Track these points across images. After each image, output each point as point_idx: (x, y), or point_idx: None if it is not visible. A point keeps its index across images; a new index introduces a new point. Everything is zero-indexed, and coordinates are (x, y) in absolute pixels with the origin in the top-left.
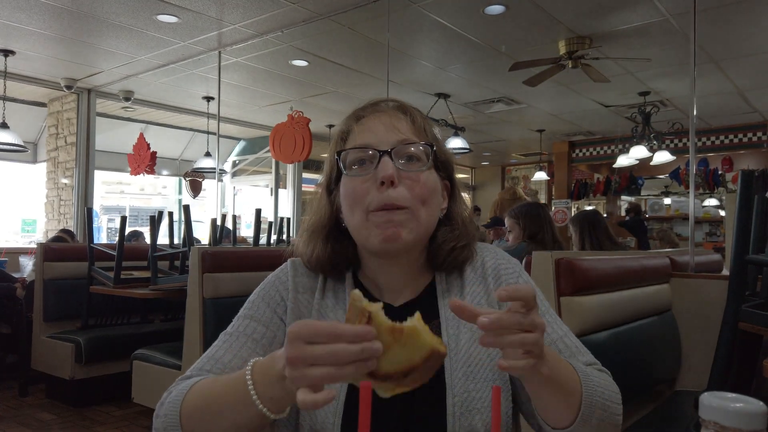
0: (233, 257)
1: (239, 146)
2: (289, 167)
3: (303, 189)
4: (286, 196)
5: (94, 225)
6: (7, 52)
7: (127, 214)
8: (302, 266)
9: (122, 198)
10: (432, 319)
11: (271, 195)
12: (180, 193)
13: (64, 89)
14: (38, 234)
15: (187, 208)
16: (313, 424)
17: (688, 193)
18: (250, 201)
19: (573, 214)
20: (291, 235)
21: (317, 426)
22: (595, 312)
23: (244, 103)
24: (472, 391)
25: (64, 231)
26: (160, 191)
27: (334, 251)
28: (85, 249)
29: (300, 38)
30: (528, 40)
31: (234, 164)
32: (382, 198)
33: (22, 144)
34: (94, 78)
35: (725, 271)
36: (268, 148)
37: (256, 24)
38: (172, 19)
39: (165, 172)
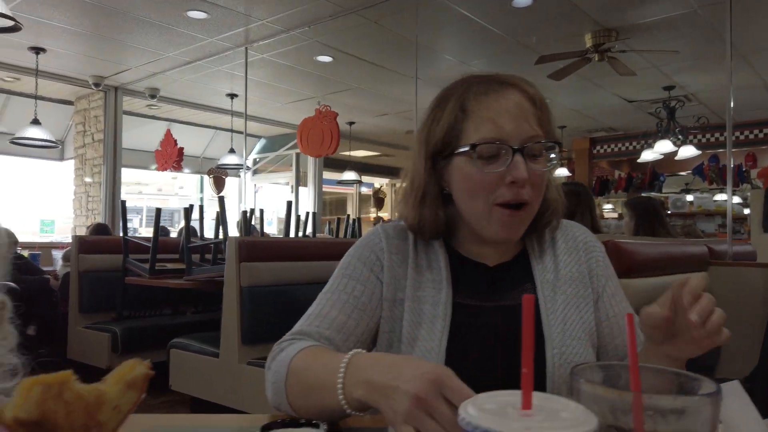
0: (268, 247)
1: (260, 144)
2: (309, 166)
3: (323, 189)
4: (307, 193)
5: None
6: (38, 50)
7: (144, 215)
8: (393, 230)
9: (140, 198)
10: (525, 281)
11: (292, 192)
12: (201, 191)
13: (92, 87)
14: (56, 234)
15: (222, 200)
16: None
17: (710, 189)
18: (271, 199)
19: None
20: (313, 229)
21: None
22: (640, 295)
23: (267, 101)
24: (568, 346)
25: (99, 225)
26: (177, 191)
27: (431, 217)
28: (119, 241)
29: (326, 34)
30: (554, 33)
31: (255, 162)
32: (513, 197)
33: (54, 140)
34: (121, 75)
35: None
36: (289, 146)
37: (283, 19)
38: (202, 15)
39: (187, 170)
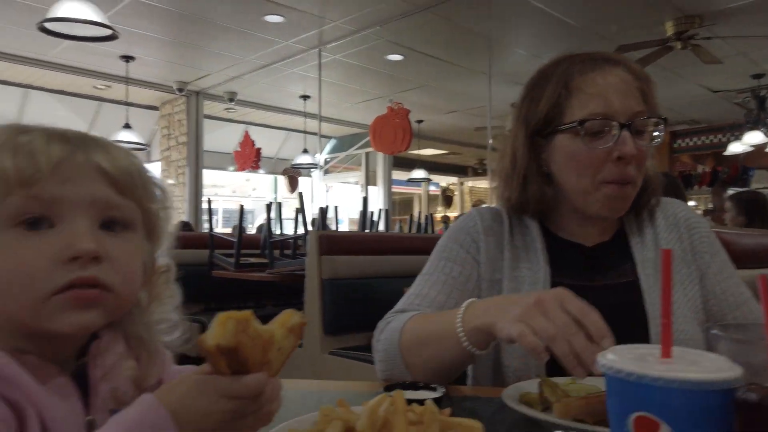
0: (348, 241)
1: (330, 144)
2: (379, 165)
3: (393, 189)
4: (377, 192)
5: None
6: (128, 58)
7: (220, 215)
8: (487, 213)
9: (215, 200)
10: (624, 260)
11: (362, 191)
12: (275, 191)
13: (176, 92)
14: None
15: (301, 196)
16: (516, 364)
17: None
18: (341, 198)
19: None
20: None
21: (518, 364)
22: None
23: (337, 101)
24: (673, 323)
25: (183, 223)
26: (250, 193)
27: (537, 194)
28: (203, 237)
29: (396, 32)
30: (634, 21)
31: (325, 162)
32: (620, 173)
33: (144, 143)
34: (202, 80)
35: None
36: (359, 145)
37: (355, 20)
38: (278, 19)
39: (262, 171)
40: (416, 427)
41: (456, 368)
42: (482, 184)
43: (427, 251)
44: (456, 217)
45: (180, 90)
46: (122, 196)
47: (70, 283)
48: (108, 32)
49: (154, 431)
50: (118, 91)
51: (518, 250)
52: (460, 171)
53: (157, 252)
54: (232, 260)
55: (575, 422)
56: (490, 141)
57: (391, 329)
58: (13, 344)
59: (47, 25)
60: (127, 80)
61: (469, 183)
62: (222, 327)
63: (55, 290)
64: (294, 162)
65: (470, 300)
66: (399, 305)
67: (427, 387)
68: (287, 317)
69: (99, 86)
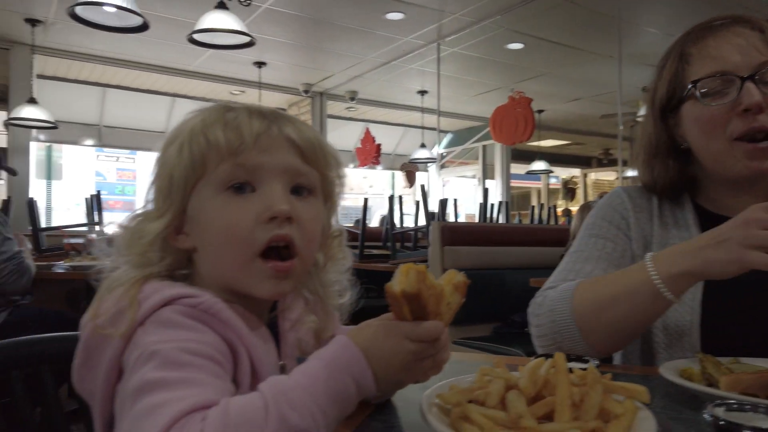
0: (471, 231)
1: (446, 139)
2: (497, 158)
3: (511, 184)
4: (494, 186)
5: None
6: (260, 64)
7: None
8: (634, 191)
9: None
10: None
11: (479, 185)
12: (393, 187)
13: (302, 94)
14: None
15: (423, 188)
16: (667, 322)
17: None
18: (457, 193)
19: None
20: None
21: (670, 323)
22: None
23: (455, 95)
24: None
25: None
26: (367, 190)
27: (662, 172)
28: None
29: (517, 20)
30: None
31: (441, 156)
32: (749, 126)
33: None
34: (326, 81)
35: None
36: (475, 139)
37: (475, 11)
38: (399, 16)
39: (380, 167)
40: (579, 388)
41: (641, 326)
42: (607, 175)
43: (553, 242)
44: (579, 208)
45: (306, 92)
46: (308, 164)
47: (269, 240)
48: (246, 39)
49: (349, 365)
50: (251, 95)
51: (668, 226)
52: (582, 162)
53: (332, 216)
54: (356, 252)
55: (745, 396)
56: (620, 128)
57: (555, 300)
58: (223, 297)
59: (195, 36)
60: (259, 85)
61: (593, 175)
62: (405, 275)
63: (257, 250)
64: (411, 157)
65: (650, 254)
66: (550, 282)
67: (578, 359)
68: (452, 275)
69: (234, 92)
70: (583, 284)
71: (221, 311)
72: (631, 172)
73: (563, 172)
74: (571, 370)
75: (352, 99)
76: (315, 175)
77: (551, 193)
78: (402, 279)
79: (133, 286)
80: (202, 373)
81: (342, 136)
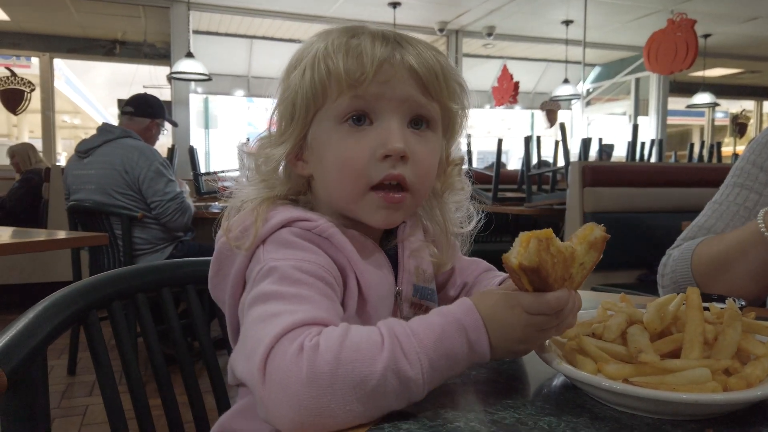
0: (615, 171)
1: (593, 73)
2: (652, 92)
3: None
4: (647, 123)
5: None
6: (395, 5)
7: (474, 156)
8: None
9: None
10: None
11: (630, 122)
12: (532, 128)
13: (438, 33)
14: None
15: (563, 126)
16: None
17: None
18: (605, 132)
19: None
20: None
21: None
22: None
23: (604, 23)
24: None
25: None
26: (505, 133)
27: None
28: None
29: None
30: None
31: (588, 92)
32: None
33: None
34: (461, 18)
35: None
36: (627, 71)
37: None
38: None
39: (518, 106)
40: (713, 326)
41: (762, 279)
42: None
43: (712, 183)
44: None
45: (441, 30)
46: (428, 97)
47: (382, 179)
48: None
49: (468, 330)
50: None
51: None
52: (758, 93)
53: (452, 147)
54: (489, 194)
55: None
56: None
57: (677, 260)
58: (338, 222)
59: None
60: (394, 26)
61: None
62: (524, 246)
63: (370, 185)
64: (553, 95)
65: (764, 209)
66: (679, 239)
67: (721, 299)
68: (588, 231)
69: None
70: (704, 242)
71: (334, 235)
72: None
73: (733, 106)
74: (707, 309)
75: (489, 35)
76: (434, 107)
77: (717, 130)
78: (520, 250)
79: (258, 206)
80: (313, 291)
81: (478, 76)
